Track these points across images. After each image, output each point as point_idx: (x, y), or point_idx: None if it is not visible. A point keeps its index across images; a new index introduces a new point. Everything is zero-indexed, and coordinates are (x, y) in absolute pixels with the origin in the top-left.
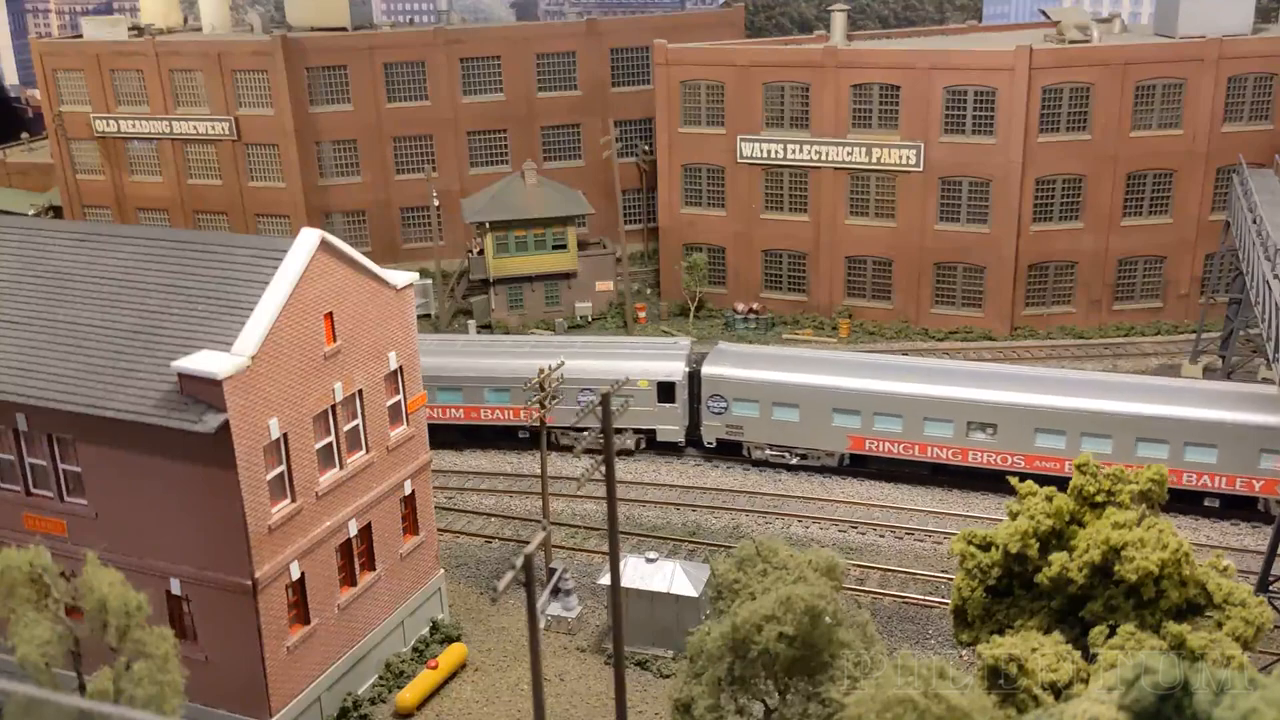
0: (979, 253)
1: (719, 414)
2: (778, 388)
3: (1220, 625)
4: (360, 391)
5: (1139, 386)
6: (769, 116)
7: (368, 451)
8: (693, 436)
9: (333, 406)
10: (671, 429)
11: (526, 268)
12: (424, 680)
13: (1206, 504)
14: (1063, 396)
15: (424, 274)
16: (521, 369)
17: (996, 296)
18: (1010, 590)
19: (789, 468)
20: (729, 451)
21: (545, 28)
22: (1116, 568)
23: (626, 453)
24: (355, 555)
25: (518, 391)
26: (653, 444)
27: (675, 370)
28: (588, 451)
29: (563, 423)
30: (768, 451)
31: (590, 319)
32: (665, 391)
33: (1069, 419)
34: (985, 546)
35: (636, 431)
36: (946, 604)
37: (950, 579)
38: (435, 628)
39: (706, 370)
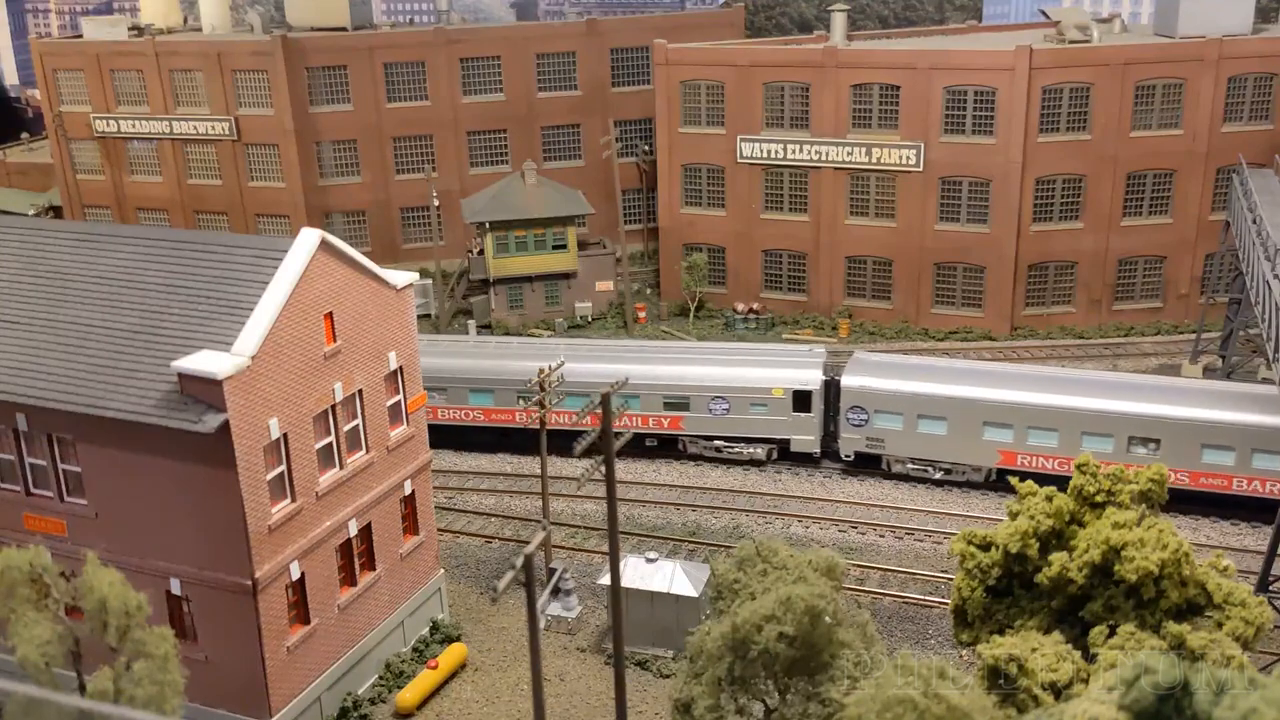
0: (979, 253)
1: (859, 426)
2: (925, 400)
3: (1220, 625)
4: (360, 391)
5: None
6: (769, 116)
7: (368, 451)
8: (826, 448)
9: (333, 406)
10: (806, 440)
11: (526, 268)
12: (424, 680)
13: None
14: (1233, 411)
15: (424, 274)
16: (656, 375)
17: (996, 296)
18: (1010, 590)
19: (933, 482)
20: (868, 464)
21: (545, 28)
22: (1116, 568)
23: (758, 463)
24: (355, 555)
25: (649, 399)
26: (785, 455)
27: (812, 379)
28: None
29: (692, 431)
30: (909, 465)
31: (590, 319)
32: (801, 401)
33: (1239, 434)
34: (985, 546)
35: (768, 442)
36: (946, 604)
37: (950, 579)
38: (435, 628)
39: (847, 381)
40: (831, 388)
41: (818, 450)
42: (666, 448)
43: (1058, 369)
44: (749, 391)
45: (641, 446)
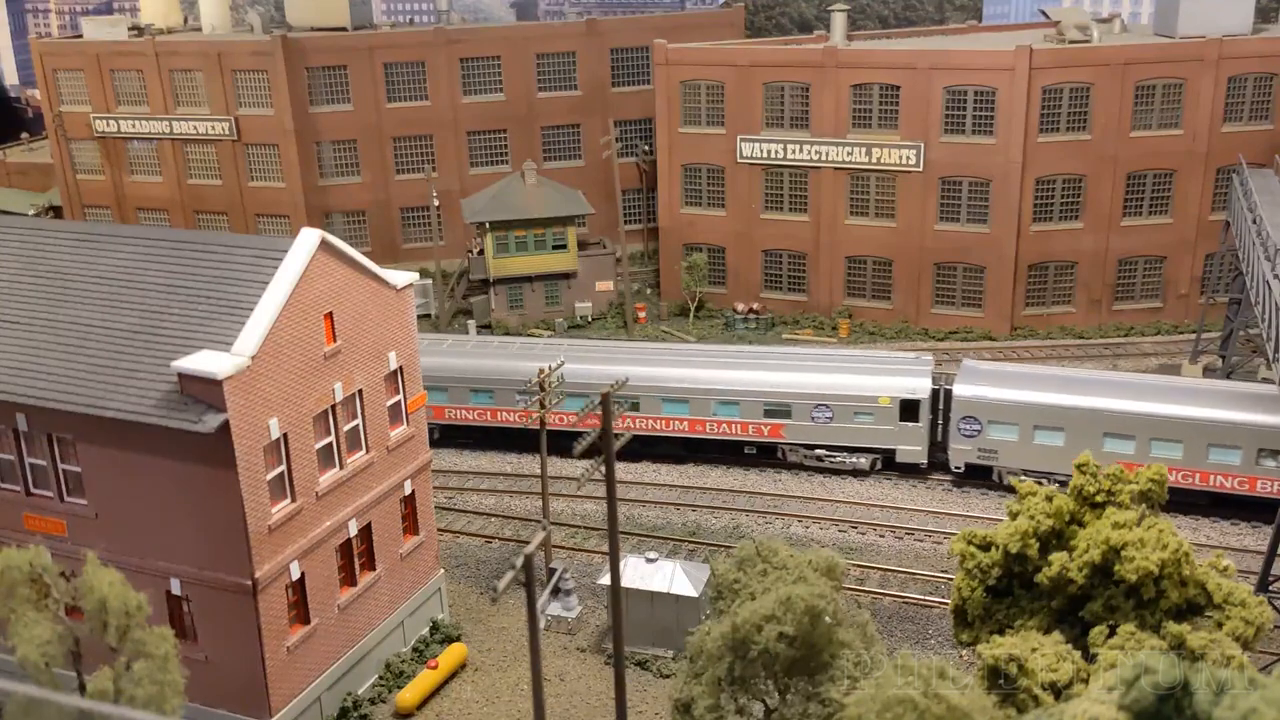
0: (979, 253)
1: (971, 436)
2: (1043, 410)
3: (1220, 625)
4: (360, 391)
5: None
6: (769, 116)
7: (368, 451)
8: (933, 458)
9: (333, 406)
10: (913, 450)
11: (526, 268)
12: (424, 680)
13: None
14: None
15: (424, 274)
16: (756, 382)
17: (996, 296)
18: (1010, 590)
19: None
20: (978, 476)
21: (545, 28)
22: (1116, 568)
23: (861, 473)
24: (355, 555)
25: (749, 406)
26: (890, 465)
27: (920, 387)
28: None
29: (794, 439)
30: (1022, 478)
31: (590, 319)
32: (908, 410)
33: None
34: (985, 546)
35: (872, 452)
36: (946, 604)
37: (950, 579)
38: (435, 628)
39: (960, 390)
40: (941, 397)
41: (925, 461)
42: (766, 455)
43: (1179, 378)
44: (854, 399)
45: (739, 453)
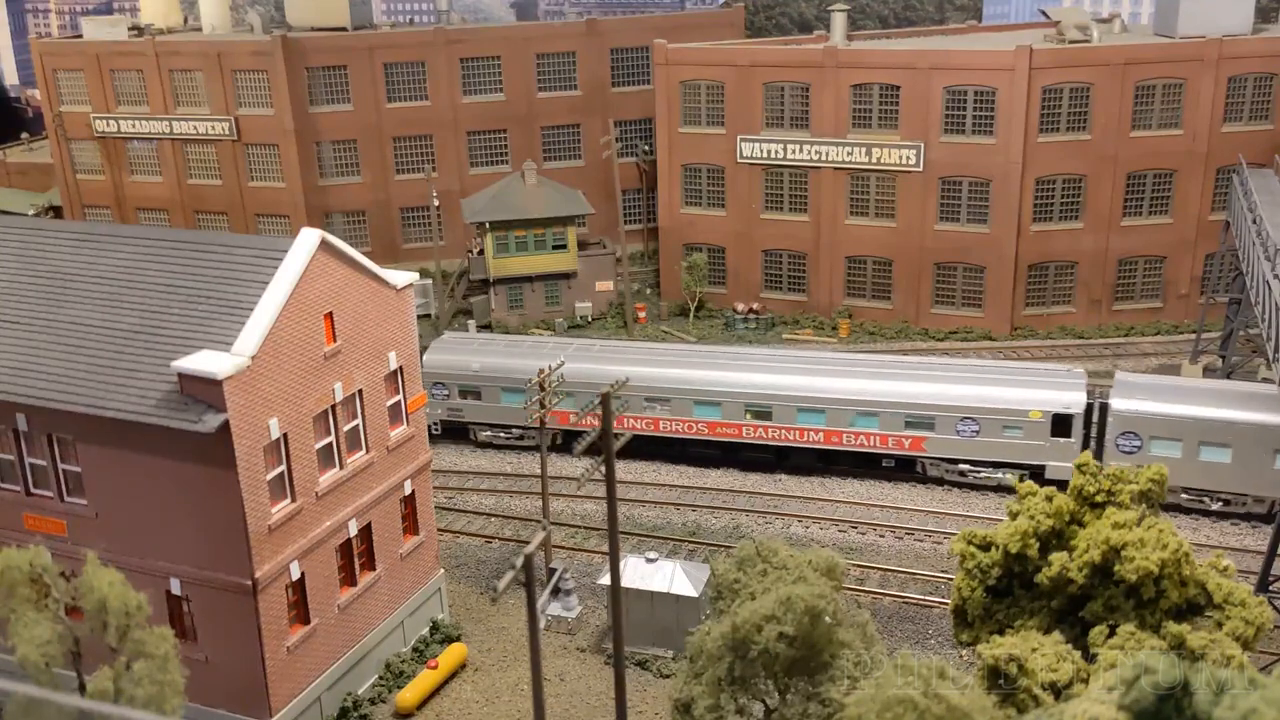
0: (979, 253)
1: (1130, 453)
2: (1210, 425)
3: (1220, 625)
4: (360, 391)
5: None
6: (769, 116)
7: (368, 451)
8: None
9: (333, 406)
10: (1064, 466)
11: (526, 268)
12: (424, 680)
13: None
14: None
15: (424, 274)
16: (898, 392)
17: (997, 296)
18: (1010, 590)
19: (1207, 513)
20: None
21: (545, 28)
22: (1116, 568)
23: (1007, 490)
24: (355, 555)
25: (889, 418)
26: (1037, 480)
27: (1074, 401)
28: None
29: (936, 453)
30: (1182, 495)
31: (590, 319)
32: (1061, 425)
33: None
34: (985, 546)
35: (1020, 467)
36: (946, 604)
37: (950, 579)
38: (435, 628)
39: (1119, 404)
40: (1096, 411)
41: None
42: (904, 470)
43: None
44: (1003, 413)
45: (876, 467)
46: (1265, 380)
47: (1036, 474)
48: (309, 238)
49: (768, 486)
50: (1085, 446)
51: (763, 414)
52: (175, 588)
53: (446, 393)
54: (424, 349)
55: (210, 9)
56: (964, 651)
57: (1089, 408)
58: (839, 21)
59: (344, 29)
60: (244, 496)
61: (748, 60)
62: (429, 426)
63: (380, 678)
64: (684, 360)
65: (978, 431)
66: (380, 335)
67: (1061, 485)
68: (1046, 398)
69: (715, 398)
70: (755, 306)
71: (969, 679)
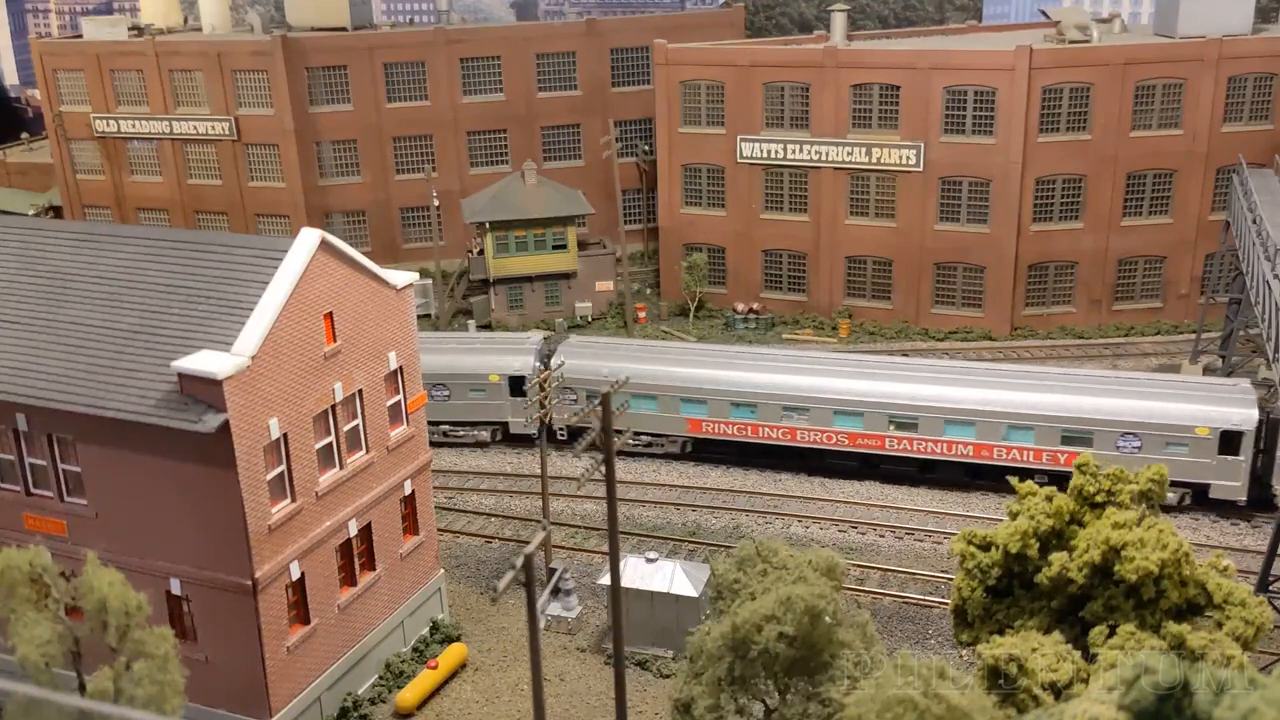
0: (979, 253)
1: None
2: None
3: (1220, 625)
4: (360, 391)
5: None
6: (769, 116)
7: (368, 451)
8: (1254, 495)
9: (333, 406)
10: (1231, 485)
11: (526, 268)
12: (424, 680)
13: None
14: None
15: (424, 274)
16: (1054, 405)
17: (997, 296)
18: (1010, 590)
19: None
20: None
21: (545, 28)
22: (1116, 568)
23: (1169, 509)
24: (355, 555)
25: (1045, 432)
26: (1200, 499)
27: (1246, 419)
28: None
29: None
30: None
31: (590, 319)
32: (1229, 442)
33: None
34: (985, 546)
35: (1182, 485)
36: (946, 604)
37: (950, 579)
38: (435, 628)
39: None
40: (1266, 427)
41: (1244, 498)
42: (1058, 485)
43: None
44: (1168, 428)
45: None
46: (1265, 380)
47: (1200, 493)
48: (309, 238)
49: (767, 486)
50: (1254, 465)
51: (907, 425)
52: (175, 588)
53: (575, 398)
54: (550, 353)
55: (210, 9)
56: (964, 651)
57: (1260, 424)
58: (839, 21)
59: (344, 29)
60: (244, 496)
61: (748, 60)
62: (556, 432)
63: (380, 678)
64: (824, 369)
65: (1140, 447)
66: (380, 335)
67: (1226, 507)
68: (1214, 413)
69: (857, 408)
70: (755, 306)
71: (969, 679)
